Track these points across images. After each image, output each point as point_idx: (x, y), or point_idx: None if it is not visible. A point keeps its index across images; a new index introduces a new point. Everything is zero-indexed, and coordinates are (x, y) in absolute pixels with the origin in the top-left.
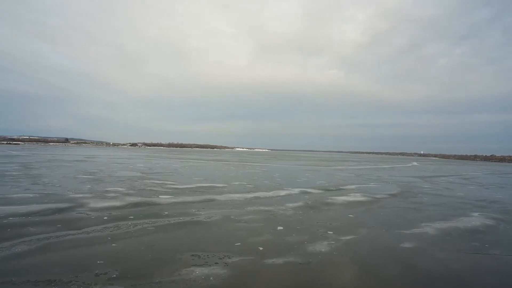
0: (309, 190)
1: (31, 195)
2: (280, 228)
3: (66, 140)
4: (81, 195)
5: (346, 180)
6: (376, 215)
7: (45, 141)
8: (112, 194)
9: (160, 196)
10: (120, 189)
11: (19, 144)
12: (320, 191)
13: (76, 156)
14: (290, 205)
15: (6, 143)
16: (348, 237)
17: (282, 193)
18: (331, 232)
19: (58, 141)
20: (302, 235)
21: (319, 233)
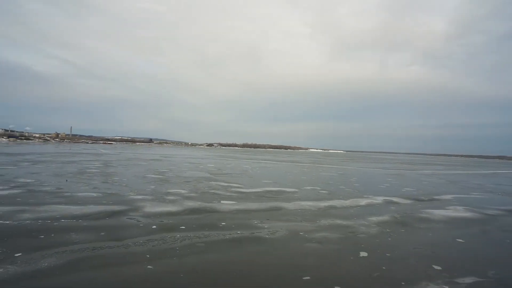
0: (394, 199)
1: (94, 195)
2: (363, 254)
3: (150, 140)
4: (141, 197)
5: (438, 188)
6: (499, 243)
7: (133, 141)
8: (172, 197)
9: (221, 202)
10: (182, 191)
11: (112, 143)
12: (409, 202)
13: (154, 155)
14: (374, 219)
15: (103, 143)
16: (468, 280)
17: (362, 202)
18: (439, 267)
19: (143, 141)
20: (396, 268)
21: (420, 268)
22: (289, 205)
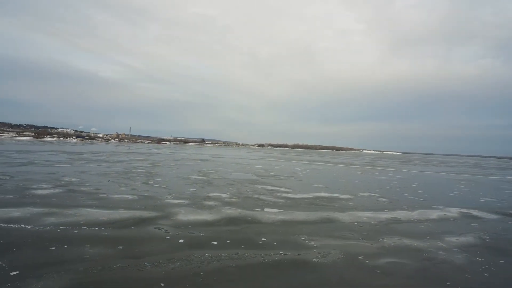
0: (474, 212)
1: (130, 197)
2: None
3: (203, 141)
4: (177, 201)
5: None
6: None
7: (186, 141)
8: (211, 203)
9: (265, 210)
10: (223, 195)
11: (166, 143)
12: (495, 217)
13: (203, 156)
14: (454, 240)
15: (158, 143)
16: None
17: (433, 214)
18: None
19: (195, 142)
20: None
21: None
22: (343, 216)
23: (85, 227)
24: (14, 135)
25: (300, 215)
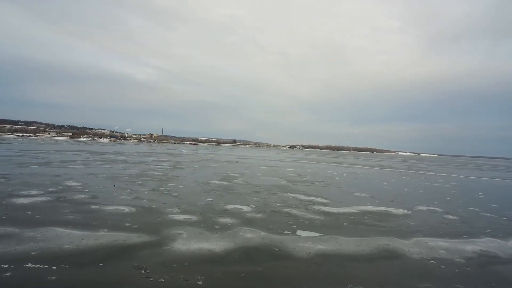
0: None
1: (125, 210)
2: None
3: (233, 141)
4: (183, 217)
5: None
6: None
7: (217, 142)
8: (227, 220)
9: (297, 232)
10: (244, 208)
11: (196, 144)
12: None
13: (231, 157)
14: None
15: (188, 143)
16: None
17: None
18: None
19: (226, 142)
20: None
21: None
22: (409, 247)
23: (29, 264)
24: (54, 135)
25: (347, 244)
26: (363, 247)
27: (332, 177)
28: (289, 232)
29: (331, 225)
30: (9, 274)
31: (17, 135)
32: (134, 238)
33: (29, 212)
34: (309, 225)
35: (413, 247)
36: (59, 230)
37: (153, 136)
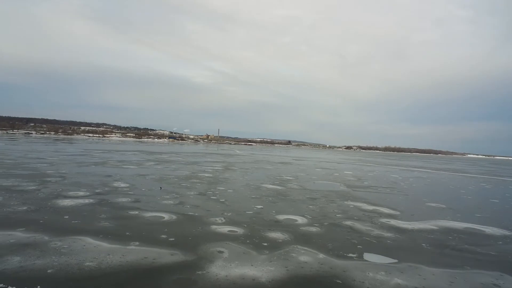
0: None
1: (165, 217)
2: None
3: (288, 142)
4: (227, 229)
5: None
6: None
7: (272, 142)
8: (277, 235)
9: (365, 256)
10: (299, 220)
11: (251, 145)
12: None
13: (285, 158)
14: None
15: (243, 144)
16: None
17: None
18: None
19: (281, 143)
20: None
21: None
22: None
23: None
24: (119, 136)
25: (434, 279)
26: (459, 285)
27: (396, 182)
28: (354, 255)
29: (406, 247)
30: None
31: (89, 136)
32: (166, 256)
33: (66, 217)
34: (379, 246)
35: None
36: (88, 240)
37: (209, 137)
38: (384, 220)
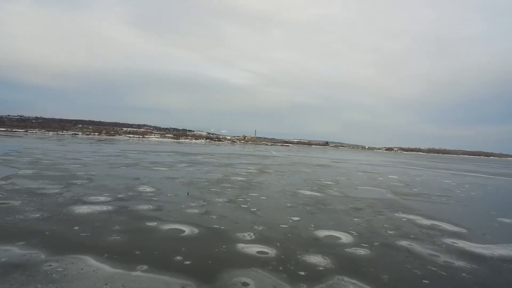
0: None
1: (186, 231)
2: None
3: (326, 143)
4: (256, 249)
5: None
6: None
7: (309, 143)
8: (318, 259)
9: None
10: (342, 237)
11: (288, 145)
12: None
13: (323, 160)
14: None
15: (280, 145)
16: None
17: None
18: None
19: (319, 144)
20: None
21: None
22: None
23: None
24: (158, 136)
25: None
26: None
27: (451, 189)
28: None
29: (493, 285)
30: None
31: (129, 137)
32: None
33: (76, 228)
34: (451, 281)
35: None
36: (88, 262)
37: (246, 138)
38: (449, 240)
